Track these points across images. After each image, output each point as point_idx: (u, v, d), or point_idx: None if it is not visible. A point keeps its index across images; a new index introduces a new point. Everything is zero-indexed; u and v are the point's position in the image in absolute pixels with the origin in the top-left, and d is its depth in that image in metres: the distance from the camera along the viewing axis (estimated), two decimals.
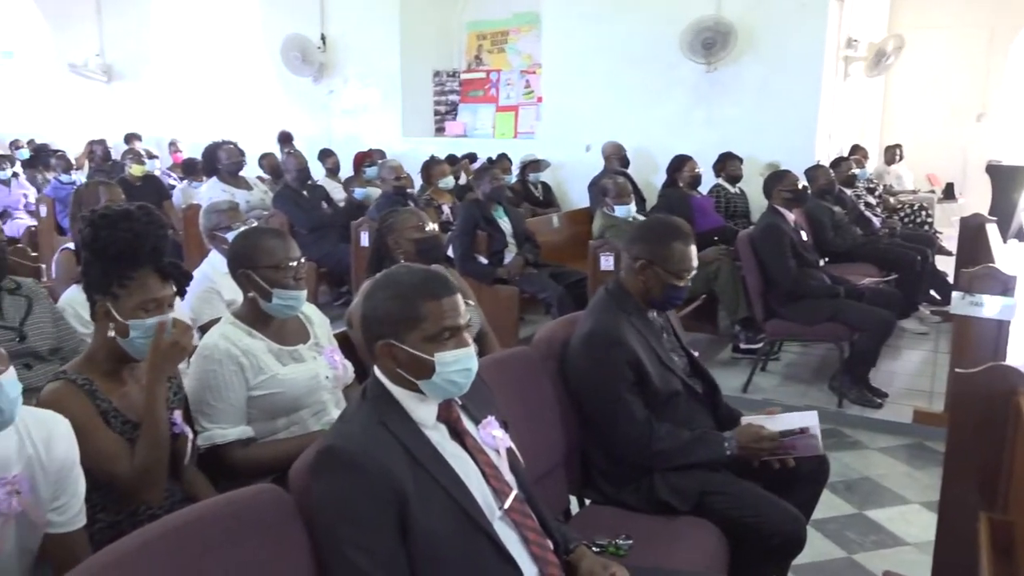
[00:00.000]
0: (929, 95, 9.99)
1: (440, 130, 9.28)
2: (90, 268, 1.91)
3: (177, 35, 11.36)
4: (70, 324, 2.60)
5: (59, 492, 1.59)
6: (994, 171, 9.45)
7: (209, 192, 5.83)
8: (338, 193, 7.13)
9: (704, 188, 6.37)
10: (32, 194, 7.74)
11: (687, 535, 2.25)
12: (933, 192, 9.23)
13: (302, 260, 2.36)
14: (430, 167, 6.43)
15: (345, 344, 2.59)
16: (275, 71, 9.18)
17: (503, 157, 7.55)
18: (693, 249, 2.44)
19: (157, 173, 8.03)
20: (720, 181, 6.43)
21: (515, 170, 7.50)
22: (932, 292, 6.29)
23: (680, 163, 6.20)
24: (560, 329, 2.60)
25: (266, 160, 8.07)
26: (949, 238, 6.95)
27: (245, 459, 2.19)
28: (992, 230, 5.17)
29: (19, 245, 5.96)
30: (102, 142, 9.95)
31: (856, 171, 6.82)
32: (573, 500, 2.58)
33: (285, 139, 8.99)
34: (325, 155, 7.99)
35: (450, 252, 5.03)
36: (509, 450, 1.76)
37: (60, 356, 2.45)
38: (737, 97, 6.81)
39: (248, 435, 2.21)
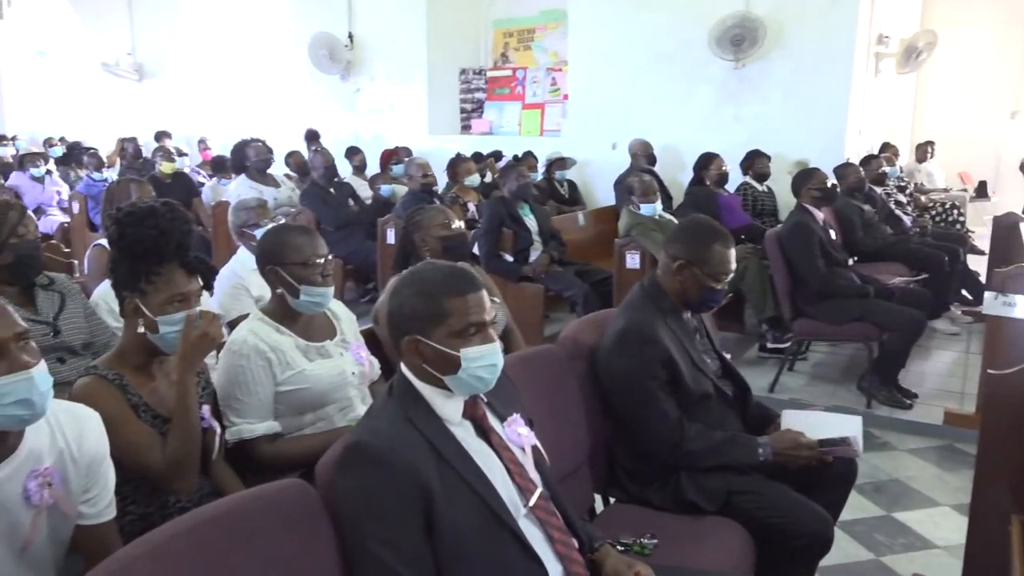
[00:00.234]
0: (962, 92, 9.80)
1: (466, 128, 9.30)
2: (117, 265, 1.93)
3: (207, 34, 11.51)
4: (102, 319, 2.63)
5: (90, 484, 1.61)
6: None
7: (237, 189, 5.87)
8: (364, 191, 7.16)
9: (731, 186, 6.30)
10: (65, 191, 7.87)
11: (713, 535, 2.24)
12: (965, 190, 9.07)
13: (329, 257, 2.37)
14: (456, 165, 6.44)
15: (371, 340, 2.60)
16: (303, 69, 9.24)
17: (529, 155, 7.57)
18: (733, 252, 2.41)
19: (187, 170, 8.15)
20: (748, 179, 6.36)
21: (541, 168, 7.50)
22: (964, 292, 6.20)
23: (707, 161, 6.16)
24: (586, 327, 2.58)
25: (292, 158, 8.14)
26: (982, 237, 6.85)
27: (272, 454, 2.21)
28: None
29: (52, 241, 6.10)
30: (133, 140, 10.11)
31: (886, 169, 6.71)
32: (598, 499, 2.57)
33: (312, 137, 9.04)
34: (352, 152, 8.03)
35: (475, 250, 5.04)
36: (534, 448, 1.76)
37: (92, 351, 2.48)
38: (765, 94, 6.74)
39: (275, 430, 2.22)
